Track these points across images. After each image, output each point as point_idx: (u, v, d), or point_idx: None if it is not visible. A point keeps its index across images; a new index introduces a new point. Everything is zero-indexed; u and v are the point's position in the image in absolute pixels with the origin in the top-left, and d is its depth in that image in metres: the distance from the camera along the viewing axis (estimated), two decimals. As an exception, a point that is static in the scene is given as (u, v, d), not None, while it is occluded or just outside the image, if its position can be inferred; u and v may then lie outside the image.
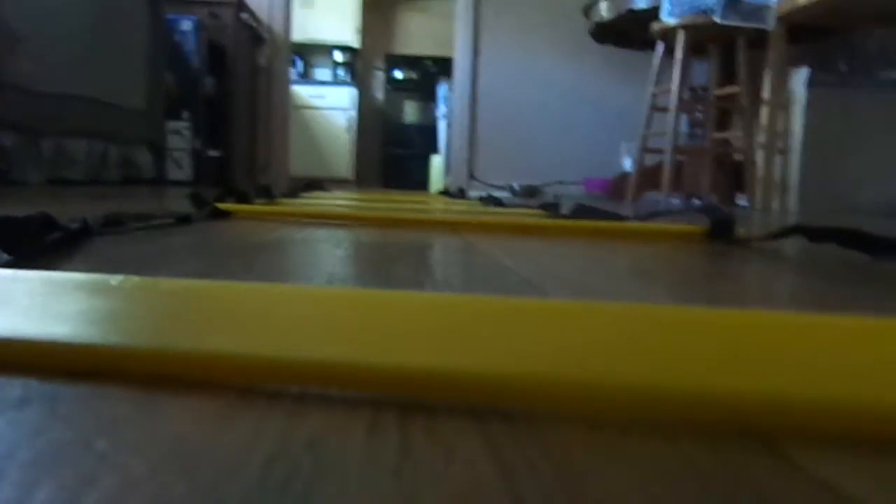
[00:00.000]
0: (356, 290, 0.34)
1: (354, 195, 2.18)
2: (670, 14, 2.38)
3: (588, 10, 3.03)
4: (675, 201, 2.54)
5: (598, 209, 1.08)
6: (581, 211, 1.09)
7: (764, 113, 2.39)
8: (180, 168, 3.08)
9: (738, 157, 2.56)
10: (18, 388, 0.19)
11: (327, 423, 0.17)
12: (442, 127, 4.15)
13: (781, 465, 0.15)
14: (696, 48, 2.51)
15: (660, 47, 2.54)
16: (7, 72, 1.86)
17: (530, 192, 3.42)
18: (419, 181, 4.85)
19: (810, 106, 2.32)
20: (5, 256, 0.45)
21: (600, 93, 3.54)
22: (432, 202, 1.80)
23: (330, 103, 5.55)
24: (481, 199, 1.84)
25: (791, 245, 0.78)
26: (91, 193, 1.66)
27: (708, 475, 0.15)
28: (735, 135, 2.56)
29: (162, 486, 0.13)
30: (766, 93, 2.39)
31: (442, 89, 4.19)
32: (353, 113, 5.59)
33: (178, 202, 1.26)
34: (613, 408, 0.18)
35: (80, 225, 0.59)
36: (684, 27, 2.36)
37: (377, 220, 0.96)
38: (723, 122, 2.72)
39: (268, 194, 1.41)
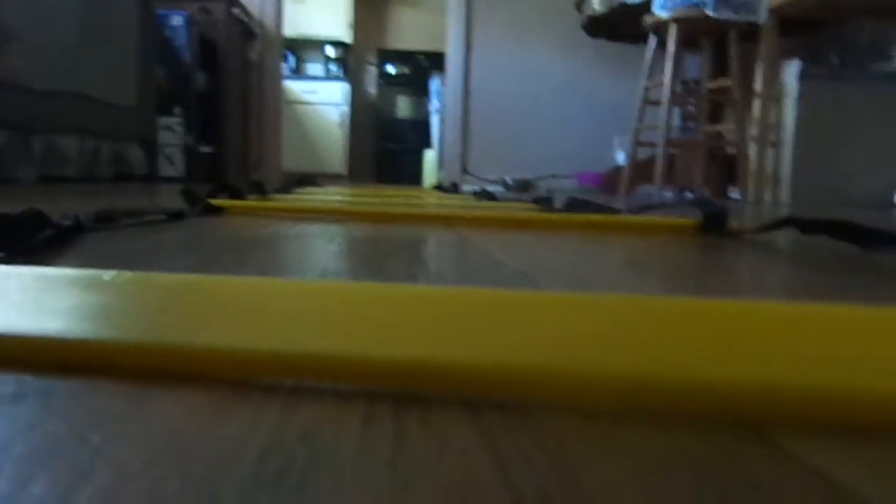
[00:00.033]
0: (349, 284, 0.34)
1: (347, 190, 2.18)
2: (662, 7, 2.38)
3: (580, 3, 3.03)
4: (668, 194, 2.54)
5: (591, 203, 1.08)
6: (574, 204, 1.09)
7: (756, 106, 2.40)
8: (172, 164, 3.06)
9: (730, 150, 2.56)
10: (12, 384, 0.19)
11: (322, 416, 0.17)
12: (435, 121, 4.14)
13: (774, 454, 0.16)
14: (689, 41, 2.51)
15: (652, 41, 2.54)
16: (-4, 68, 1.85)
17: (523, 186, 3.42)
18: (412, 176, 4.85)
19: (802, 98, 2.32)
20: (-3, 253, 0.45)
21: (593, 87, 3.54)
22: (425, 197, 1.80)
23: (322, 98, 5.53)
24: (474, 193, 1.84)
25: (783, 237, 0.79)
26: (83, 190, 1.66)
27: (701, 464, 0.15)
28: (727, 128, 2.57)
29: (156, 480, 0.13)
30: (758, 86, 2.40)
31: (434, 84, 4.19)
32: (346, 108, 5.57)
33: (171, 199, 1.26)
34: (607, 398, 0.18)
35: (72, 222, 0.58)
36: (676, 20, 2.37)
37: (370, 215, 0.96)
38: (715, 115, 2.73)
39: (260, 190, 1.41)
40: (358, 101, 5.71)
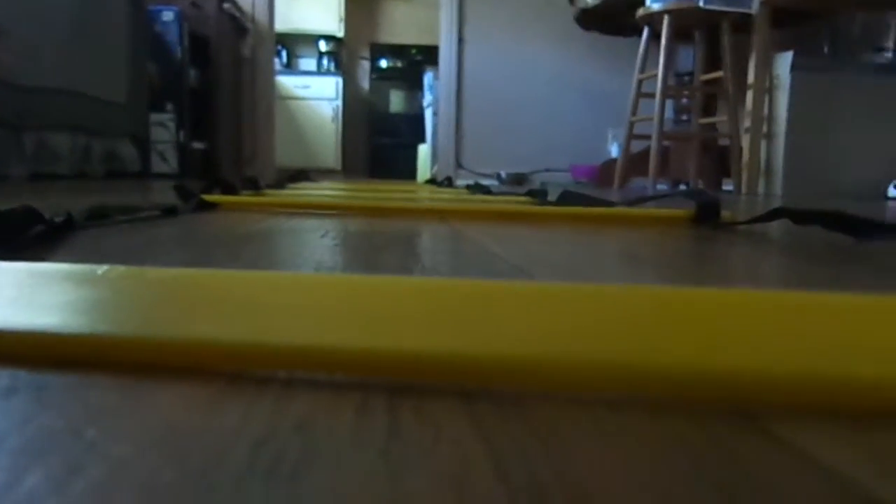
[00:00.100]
0: (344, 276, 0.34)
1: (341, 185, 2.18)
2: (655, -1, 2.38)
3: (573, -4, 3.03)
4: (662, 187, 2.55)
5: (586, 195, 1.08)
6: (568, 197, 1.09)
7: (749, 97, 2.40)
8: (165, 161, 3.05)
9: (723, 141, 2.57)
10: (6, 378, 0.19)
11: (316, 407, 0.17)
12: (428, 116, 4.14)
13: (767, 440, 0.16)
14: (682, 33, 2.51)
15: (645, 33, 2.54)
16: (-13, 65, 1.84)
17: (517, 179, 3.43)
18: (406, 170, 4.84)
19: (794, 90, 2.33)
20: (-11, 250, 0.45)
21: (586, 80, 3.54)
22: (419, 191, 1.80)
23: (315, 93, 5.52)
24: (468, 187, 1.84)
25: (776, 228, 0.79)
26: (75, 187, 1.65)
27: (695, 451, 0.15)
28: (721, 120, 2.58)
29: (151, 473, 0.13)
30: (750, 77, 2.40)
31: (428, 78, 4.18)
32: (339, 103, 5.56)
33: (164, 195, 1.26)
34: (601, 387, 0.18)
35: (65, 218, 0.58)
36: (669, 12, 2.37)
37: (364, 210, 0.96)
38: (708, 107, 2.74)
39: (254, 185, 1.41)
40: (351, 95, 5.69)
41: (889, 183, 2.31)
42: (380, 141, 5.70)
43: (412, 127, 5.24)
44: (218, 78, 3.49)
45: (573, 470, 0.14)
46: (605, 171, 3.06)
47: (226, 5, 3.51)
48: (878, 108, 2.37)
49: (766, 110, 2.41)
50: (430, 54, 4.72)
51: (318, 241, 0.58)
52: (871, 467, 0.14)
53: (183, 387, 0.18)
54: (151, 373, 0.19)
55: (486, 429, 0.16)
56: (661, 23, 2.40)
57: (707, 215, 0.82)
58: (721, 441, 0.16)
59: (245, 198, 1.09)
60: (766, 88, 2.40)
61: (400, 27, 5.77)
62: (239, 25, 3.77)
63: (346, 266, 0.46)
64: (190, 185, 1.05)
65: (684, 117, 2.98)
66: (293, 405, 0.17)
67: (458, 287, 0.26)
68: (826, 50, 2.64)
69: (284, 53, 5.56)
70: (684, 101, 2.94)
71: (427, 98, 4.21)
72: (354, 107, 5.72)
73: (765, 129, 2.41)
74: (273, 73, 4.09)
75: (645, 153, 2.55)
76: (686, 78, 2.91)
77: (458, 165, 3.59)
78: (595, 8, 2.85)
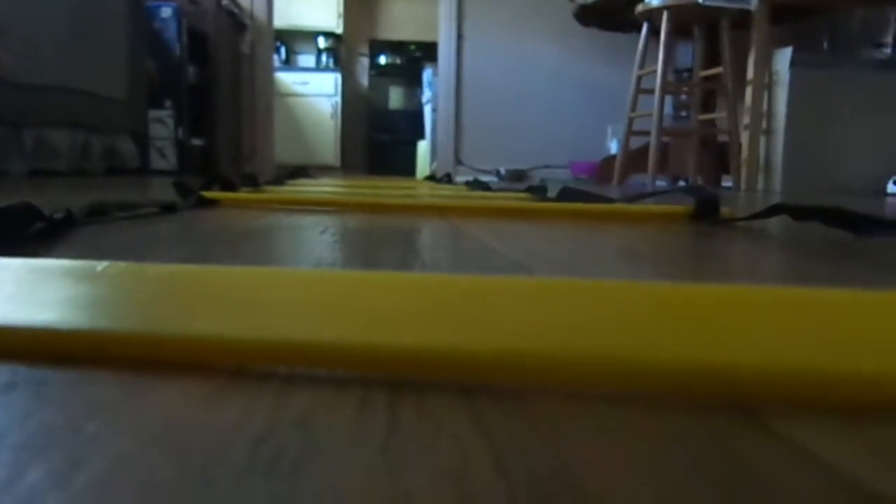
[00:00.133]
0: (343, 272, 0.34)
1: (340, 182, 2.17)
2: (654, -5, 2.38)
3: (572, -8, 3.02)
4: (661, 183, 2.55)
5: (585, 192, 1.08)
6: (567, 194, 1.09)
7: (748, 94, 2.40)
8: (164, 157, 3.05)
9: (723, 138, 2.57)
10: (6, 374, 0.19)
11: (316, 403, 0.17)
12: (427, 112, 4.13)
13: (766, 435, 0.16)
14: (681, 29, 2.51)
15: (644, 29, 2.54)
16: (-15, 62, 1.84)
17: (517, 176, 3.43)
18: (405, 167, 4.84)
19: (793, 86, 2.33)
20: (-12, 247, 0.44)
21: (586, 76, 3.54)
22: (419, 187, 1.80)
23: (314, 90, 5.51)
24: (468, 183, 1.84)
25: (775, 224, 0.79)
26: (74, 184, 1.65)
27: (695, 446, 0.15)
28: (720, 116, 2.57)
29: (151, 468, 0.13)
30: (750, 73, 2.40)
31: (427, 74, 4.17)
32: (338, 99, 5.55)
33: (163, 191, 1.25)
34: (601, 382, 0.18)
35: (64, 215, 0.58)
36: (668, 8, 2.36)
37: (364, 206, 0.96)
38: (708, 103, 2.73)
39: (253, 182, 1.41)
40: (350, 92, 5.69)
41: (888, 179, 2.31)
42: (379, 137, 5.69)
43: (411, 123, 5.23)
44: (217, 74, 3.49)
45: (573, 465, 0.14)
46: (604, 168, 3.06)
47: (224, 1, 3.51)
48: (878, 103, 2.37)
49: (765, 106, 2.41)
50: (429, 51, 4.71)
51: (317, 238, 0.58)
52: (870, 462, 0.14)
53: (183, 383, 0.18)
54: (151, 369, 0.19)
55: (485, 424, 0.16)
56: (660, 19, 2.39)
57: (706, 212, 0.82)
58: (720, 436, 0.16)
59: (244, 194, 1.09)
60: (766, 84, 2.40)
61: (399, 23, 5.76)
62: (237, 22, 3.76)
63: (346, 262, 0.46)
64: (189, 181, 1.05)
65: (683, 114, 2.98)
66: (293, 401, 0.17)
67: (457, 283, 0.26)
68: (825, 46, 2.64)
69: (283, 50, 5.55)
70: (683, 97, 2.94)
71: (426, 94, 4.20)
72: (353, 103, 5.71)
73: (764, 125, 2.41)
74: (272, 69, 4.08)
75: (644, 149, 2.55)
76: (685, 74, 2.91)
77: (458, 162, 3.59)
78: (594, 4, 2.84)
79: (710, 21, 2.47)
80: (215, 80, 3.48)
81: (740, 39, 2.43)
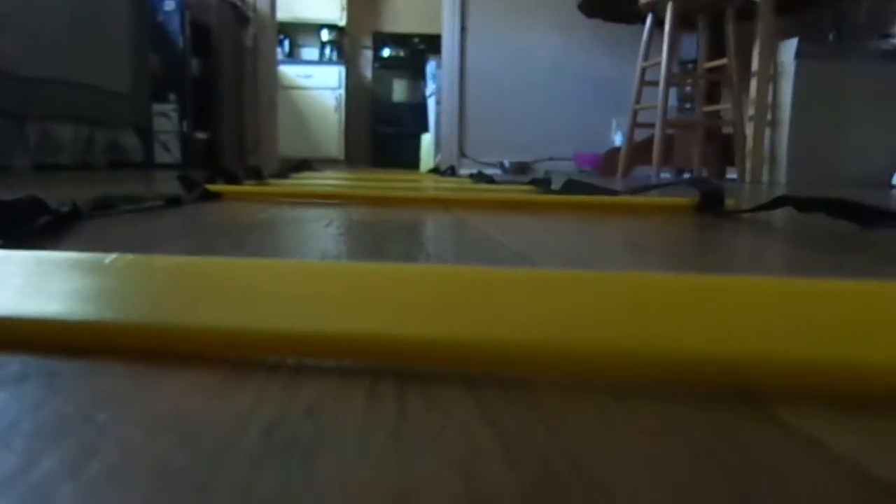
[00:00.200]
0: (350, 264, 0.34)
1: (344, 175, 2.17)
2: (658, -14, 2.36)
3: (576, -17, 3.01)
4: (666, 175, 2.54)
5: (589, 184, 1.08)
6: (571, 186, 1.09)
7: (753, 85, 2.39)
8: (168, 151, 3.05)
9: (727, 130, 2.56)
10: (17, 365, 0.19)
11: (325, 392, 0.17)
12: (431, 105, 4.12)
13: (772, 425, 0.16)
14: (685, 20, 2.50)
15: (649, 20, 2.52)
16: (-11, 55, 1.84)
17: (521, 168, 3.42)
18: (409, 160, 4.83)
19: (799, 77, 2.32)
20: (-4, 240, 0.45)
21: (590, 68, 3.53)
22: (423, 180, 1.80)
23: (317, 83, 5.51)
24: (472, 176, 1.84)
25: (780, 216, 0.79)
26: (78, 178, 1.65)
27: (701, 436, 0.15)
28: (725, 108, 2.56)
29: (165, 456, 0.13)
30: (755, 65, 2.39)
31: (430, 67, 4.16)
32: (342, 92, 5.54)
33: (168, 185, 1.26)
34: (606, 373, 0.19)
35: (70, 208, 0.58)
36: (673, -1, 2.35)
37: (368, 199, 0.96)
38: (712, 95, 2.72)
39: (257, 175, 1.41)
40: (353, 85, 5.68)
41: (894, 171, 2.30)
42: (383, 130, 5.68)
43: (415, 116, 5.22)
44: (220, 67, 3.49)
45: (581, 454, 0.14)
46: (608, 160, 3.05)
47: (227, -6, 3.50)
48: (884, 95, 2.36)
49: (770, 98, 2.40)
50: (432, 43, 4.69)
51: (322, 230, 0.59)
52: (877, 452, 0.15)
53: (192, 373, 0.19)
54: (159, 360, 0.20)
55: (492, 413, 0.16)
56: (664, 10, 2.38)
57: (711, 203, 0.81)
58: (727, 426, 0.16)
59: (248, 188, 1.09)
60: (771, 76, 2.39)
61: (402, 16, 5.75)
62: (240, 14, 3.76)
63: (351, 254, 0.46)
64: (194, 175, 1.05)
65: (688, 105, 2.97)
66: (302, 391, 0.17)
67: (461, 274, 0.26)
68: (831, 37, 2.62)
69: (286, 43, 5.54)
70: (688, 89, 2.93)
71: (430, 87, 4.19)
72: (357, 96, 5.70)
73: (769, 116, 2.40)
74: (275, 62, 4.08)
75: (649, 141, 2.55)
76: (690, 66, 2.90)
77: (462, 154, 3.59)
78: (598, -5, 2.83)
79: (714, 12, 2.46)
80: (219, 74, 3.48)
81: (745, 30, 2.41)
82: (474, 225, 0.65)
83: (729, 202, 0.82)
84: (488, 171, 2.57)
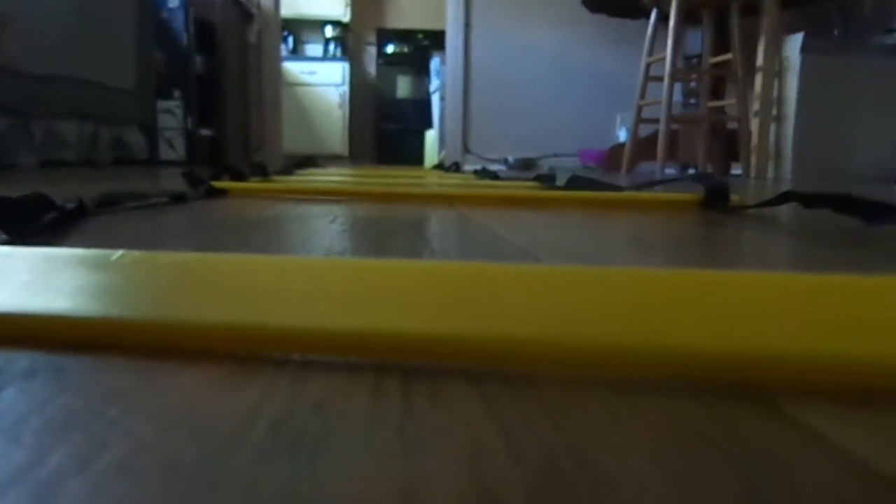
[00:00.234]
0: (354, 260, 0.34)
1: (349, 171, 2.18)
2: (663, -19, 2.35)
3: (580, -22, 3.00)
4: (671, 171, 2.54)
5: (594, 180, 1.08)
6: (576, 182, 1.09)
7: (758, 80, 2.38)
8: (172, 148, 3.06)
9: (732, 125, 2.55)
10: (25, 360, 0.19)
11: (332, 388, 0.17)
12: (435, 101, 4.12)
13: (776, 420, 0.16)
14: (690, 15, 2.49)
15: (653, 15, 2.52)
16: (-6, 53, 1.84)
17: (525, 164, 3.42)
18: (414, 156, 4.83)
19: (804, 72, 2.31)
20: (2, 236, 0.45)
21: (594, 63, 3.52)
22: (427, 176, 1.80)
23: (321, 79, 5.51)
24: (476, 172, 1.84)
25: (785, 211, 0.79)
26: (83, 175, 1.66)
27: (706, 430, 0.15)
28: (730, 103, 2.56)
29: (173, 450, 0.14)
30: (760, 60, 2.38)
31: (434, 63, 4.16)
32: (346, 88, 5.54)
33: (172, 182, 1.26)
34: (610, 368, 0.19)
35: (76, 204, 0.58)
36: (677, -6, 2.34)
37: (372, 196, 0.96)
38: (717, 90, 2.71)
39: (262, 172, 1.41)
40: (357, 81, 5.67)
41: (900, 166, 2.29)
42: (387, 126, 5.68)
43: (419, 112, 5.22)
44: (224, 64, 3.49)
45: (586, 449, 0.14)
46: (613, 156, 3.05)
47: (231, -9, 3.50)
48: (890, 90, 2.34)
49: (775, 93, 2.39)
50: (436, 39, 4.68)
51: (327, 227, 0.59)
52: (882, 446, 0.15)
53: (199, 369, 0.19)
54: (165, 355, 0.20)
55: (497, 409, 0.16)
56: (669, 5, 2.37)
57: (716, 199, 0.81)
58: (733, 421, 0.16)
59: (253, 184, 1.09)
60: (776, 71, 2.38)
61: (406, 12, 5.74)
62: (244, 11, 3.76)
63: (356, 250, 0.46)
64: (198, 171, 1.05)
65: (693, 101, 2.96)
66: (309, 386, 0.18)
67: (466, 270, 0.26)
68: (836, 32, 2.61)
69: (290, 39, 5.54)
70: (693, 84, 2.92)
71: (434, 83, 4.19)
72: (361, 92, 5.70)
73: (774, 112, 2.39)
74: (279, 59, 4.08)
75: (653, 137, 2.54)
76: (695, 61, 2.89)
77: (466, 151, 3.58)
78: (602, -10, 2.82)
79: (719, 6, 2.45)
80: (223, 70, 3.48)
81: (750, 25, 2.40)
82: (478, 221, 0.65)
83: (734, 198, 0.82)
84: (492, 167, 2.57)
